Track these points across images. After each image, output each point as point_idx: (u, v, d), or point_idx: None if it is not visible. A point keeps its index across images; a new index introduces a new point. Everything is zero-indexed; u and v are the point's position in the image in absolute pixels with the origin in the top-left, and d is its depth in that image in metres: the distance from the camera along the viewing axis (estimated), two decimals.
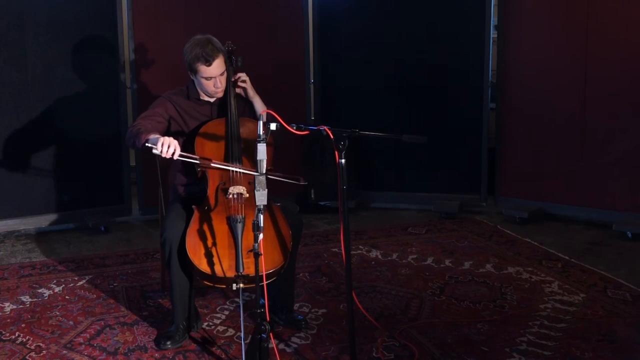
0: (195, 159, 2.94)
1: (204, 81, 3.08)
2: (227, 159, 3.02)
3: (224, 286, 2.89)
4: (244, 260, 2.73)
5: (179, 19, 4.91)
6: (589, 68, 4.63)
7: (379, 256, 4.12)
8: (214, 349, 2.94)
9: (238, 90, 3.20)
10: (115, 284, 3.71)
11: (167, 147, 2.76)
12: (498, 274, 3.80)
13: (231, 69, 3.16)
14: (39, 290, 3.62)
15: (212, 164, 2.96)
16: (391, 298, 3.47)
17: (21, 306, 3.42)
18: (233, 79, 3.17)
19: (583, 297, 3.44)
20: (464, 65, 5.08)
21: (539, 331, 3.06)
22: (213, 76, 3.06)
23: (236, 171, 2.98)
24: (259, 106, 3.21)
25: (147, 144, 2.83)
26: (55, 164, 4.72)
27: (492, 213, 5.07)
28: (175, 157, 2.79)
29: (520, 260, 4.02)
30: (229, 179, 2.98)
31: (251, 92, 3.22)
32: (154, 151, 2.77)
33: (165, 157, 2.79)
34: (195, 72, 3.07)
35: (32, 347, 2.97)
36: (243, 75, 3.20)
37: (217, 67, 3.04)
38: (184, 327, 3.00)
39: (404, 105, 5.26)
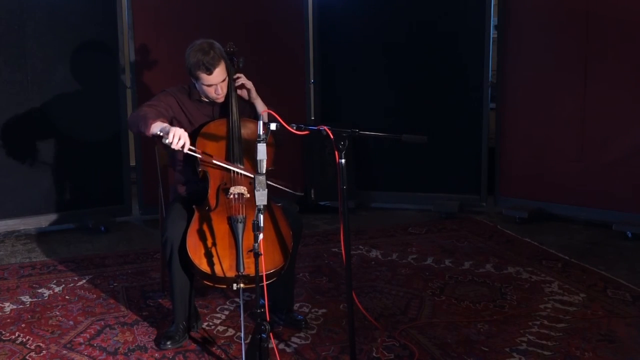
0: (203, 155, 2.95)
1: (205, 87, 3.07)
2: (228, 160, 3.02)
3: (224, 286, 2.88)
4: (245, 260, 2.73)
5: (178, 19, 4.91)
6: (589, 67, 4.63)
7: (379, 256, 4.12)
8: (214, 349, 2.94)
9: (241, 91, 3.20)
10: (115, 284, 3.71)
11: (178, 139, 2.77)
12: (498, 274, 3.80)
13: (232, 70, 3.16)
14: (39, 290, 3.62)
15: (215, 161, 2.96)
16: (391, 298, 3.47)
17: (21, 306, 3.42)
18: (234, 78, 3.16)
19: (583, 297, 3.44)
20: (464, 65, 5.08)
21: (539, 331, 3.06)
22: (214, 84, 3.05)
23: (237, 172, 2.98)
24: (261, 107, 3.21)
25: (158, 132, 2.82)
26: (55, 164, 4.72)
27: (492, 213, 5.07)
28: (185, 149, 2.80)
29: (520, 260, 4.02)
30: (230, 179, 2.98)
31: (253, 94, 3.22)
32: (165, 141, 2.77)
33: (173, 149, 2.79)
34: (196, 78, 3.07)
35: (32, 347, 2.97)
36: (244, 80, 3.19)
37: (218, 75, 3.03)
38: (184, 327, 3.00)
39: (404, 105, 5.26)
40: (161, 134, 2.81)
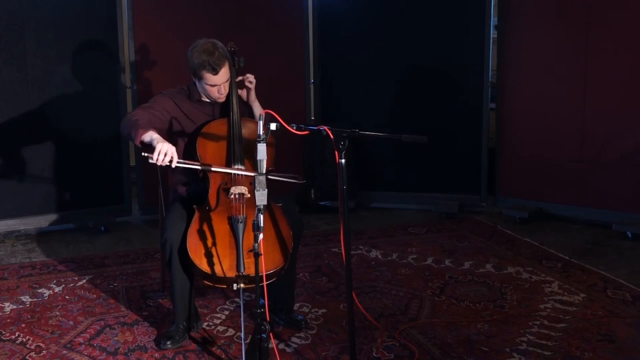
0: (195, 165, 2.94)
1: (208, 87, 3.07)
2: (228, 160, 3.02)
3: (224, 286, 2.88)
4: (245, 260, 2.73)
5: (179, 19, 4.91)
6: (589, 67, 4.63)
7: (379, 256, 4.12)
8: (214, 349, 2.94)
9: (241, 91, 3.20)
10: (115, 284, 3.71)
11: (164, 155, 2.74)
12: (498, 274, 3.80)
13: (233, 70, 3.16)
14: (39, 290, 3.62)
15: (213, 169, 2.96)
16: (391, 298, 3.47)
17: (21, 306, 3.42)
18: (241, 79, 3.16)
19: (583, 297, 3.44)
20: (464, 65, 5.08)
21: (539, 331, 3.06)
22: (218, 84, 3.05)
23: (237, 173, 2.98)
24: (258, 111, 3.22)
25: (143, 153, 2.79)
26: (55, 164, 4.71)
27: (492, 213, 5.07)
28: (173, 165, 2.78)
29: (520, 260, 4.02)
30: (230, 179, 2.98)
31: (252, 96, 3.22)
32: (150, 161, 2.76)
33: (161, 166, 2.78)
34: (200, 78, 3.06)
35: (32, 347, 2.97)
36: (251, 77, 3.19)
37: (223, 75, 3.03)
38: (184, 327, 3.00)
39: (404, 105, 5.26)
40: (146, 154, 2.76)
